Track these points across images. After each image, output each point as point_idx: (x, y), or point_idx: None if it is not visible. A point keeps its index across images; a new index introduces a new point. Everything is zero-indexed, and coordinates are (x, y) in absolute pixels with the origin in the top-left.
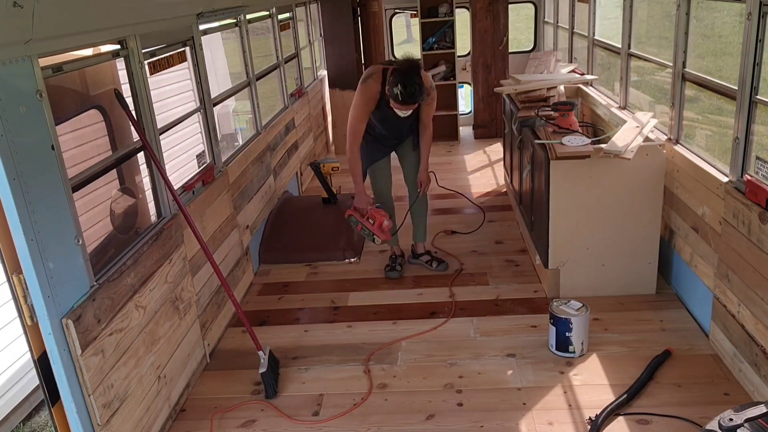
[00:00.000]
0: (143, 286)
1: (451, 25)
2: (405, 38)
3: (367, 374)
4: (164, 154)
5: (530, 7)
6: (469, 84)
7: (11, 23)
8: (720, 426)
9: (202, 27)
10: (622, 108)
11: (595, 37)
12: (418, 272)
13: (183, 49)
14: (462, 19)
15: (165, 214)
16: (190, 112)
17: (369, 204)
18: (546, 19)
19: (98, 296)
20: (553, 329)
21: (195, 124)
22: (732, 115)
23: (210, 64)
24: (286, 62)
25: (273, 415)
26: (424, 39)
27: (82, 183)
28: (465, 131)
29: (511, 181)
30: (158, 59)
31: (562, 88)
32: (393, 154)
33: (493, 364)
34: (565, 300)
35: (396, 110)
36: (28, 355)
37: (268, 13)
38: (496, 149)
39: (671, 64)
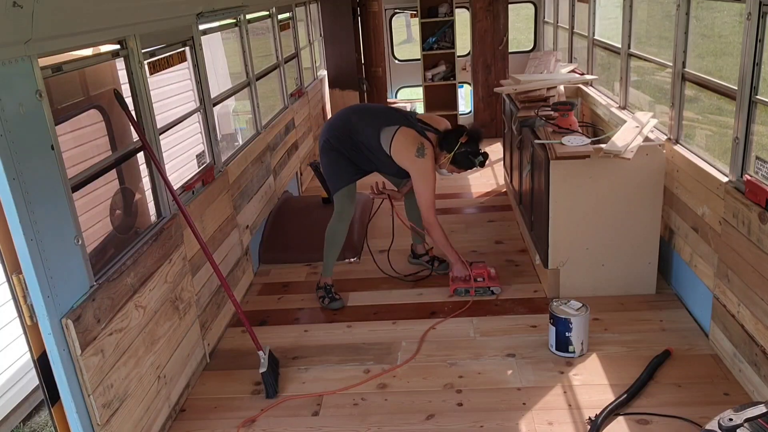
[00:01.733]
0: (143, 286)
1: (451, 25)
2: (405, 38)
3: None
4: (164, 154)
5: (530, 7)
6: (469, 84)
7: (11, 23)
8: (720, 426)
9: (201, 27)
10: (622, 108)
11: (595, 37)
12: (423, 273)
13: (183, 49)
14: (462, 19)
15: (165, 214)
16: (190, 112)
17: (468, 267)
18: (546, 19)
19: (98, 296)
20: (552, 329)
21: (195, 124)
22: (732, 115)
23: (210, 64)
24: (286, 62)
25: (273, 415)
26: (424, 39)
27: (82, 183)
28: None
29: (511, 181)
30: (158, 59)
31: (562, 88)
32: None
33: (493, 364)
34: (565, 300)
35: (443, 171)
36: (28, 355)
37: (268, 13)
38: (496, 149)
39: (671, 64)
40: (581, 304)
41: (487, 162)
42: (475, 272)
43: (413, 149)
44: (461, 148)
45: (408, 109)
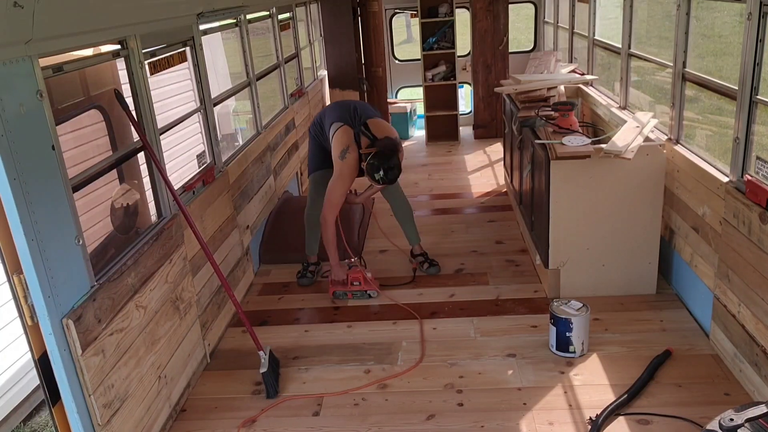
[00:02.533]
0: (144, 286)
1: (451, 25)
2: (405, 38)
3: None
4: (164, 154)
5: (530, 7)
6: (469, 84)
7: (11, 23)
8: (720, 426)
9: (202, 27)
10: (622, 108)
11: (595, 37)
12: (418, 273)
13: (183, 49)
14: (462, 19)
15: (165, 214)
16: (191, 112)
17: (345, 272)
18: (546, 19)
19: (99, 296)
20: (553, 329)
21: (195, 124)
22: (732, 115)
23: (210, 64)
24: (286, 62)
25: (273, 415)
26: (424, 39)
27: (82, 183)
28: (465, 131)
29: (511, 181)
30: (158, 59)
31: (562, 88)
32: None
33: (493, 364)
34: (566, 300)
35: (369, 180)
36: (29, 355)
37: (268, 13)
38: (496, 149)
39: (671, 64)
40: (582, 304)
41: (390, 180)
42: (351, 276)
43: (339, 150)
44: (371, 160)
45: (371, 109)
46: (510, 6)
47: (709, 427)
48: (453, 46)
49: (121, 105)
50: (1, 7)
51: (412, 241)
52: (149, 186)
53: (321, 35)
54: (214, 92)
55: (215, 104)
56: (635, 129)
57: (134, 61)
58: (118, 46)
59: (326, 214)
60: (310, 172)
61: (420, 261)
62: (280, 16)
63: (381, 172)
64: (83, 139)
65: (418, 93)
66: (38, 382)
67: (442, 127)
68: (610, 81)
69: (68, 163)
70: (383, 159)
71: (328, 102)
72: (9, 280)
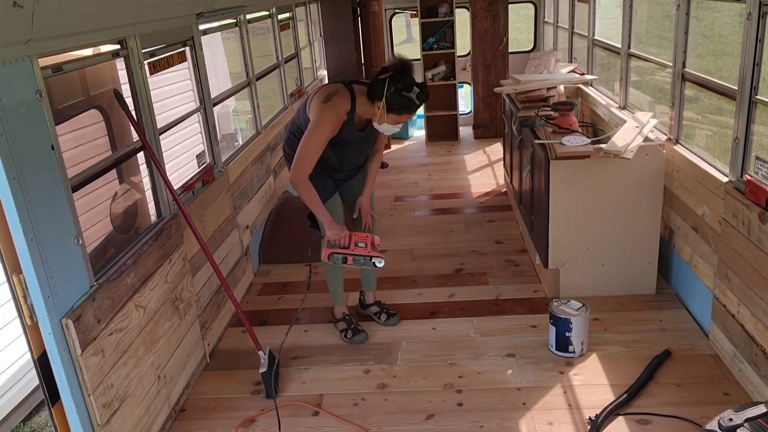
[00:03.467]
0: (143, 286)
1: (451, 25)
2: (405, 38)
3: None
4: (164, 154)
5: (530, 7)
6: (469, 84)
7: (11, 23)
8: (720, 426)
9: (202, 27)
10: (622, 108)
11: (595, 37)
12: (418, 272)
13: (183, 49)
14: (462, 19)
15: (165, 214)
16: (190, 112)
17: (343, 229)
18: (546, 19)
19: (98, 296)
20: (553, 329)
21: (195, 124)
22: (732, 115)
23: (210, 64)
24: (286, 62)
25: (273, 415)
26: (424, 39)
27: (82, 183)
28: (465, 131)
29: (511, 181)
30: (158, 59)
31: (562, 88)
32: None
33: (493, 364)
34: (565, 300)
35: (384, 126)
36: (28, 355)
37: (268, 13)
38: (496, 149)
39: (671, 64)
40: (581, 304)
41: (426, 95)
42: (354, 236)
43: (324, 95)
44: (390, 88)
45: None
46: (510, 6)
47: (708, 427)
48: (453, 46)
49: (121, 105)
50: (1, 7)
51: (367, 284)
52: (149, 186)
53: (321, 35)
54: (214, 92)
55: (215, 104)
56: (635, 129)
57: (134, 61)
58: (118, 46)
59: (297, 173)
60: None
61: (375, 311)
62: (280, 16)
63: (415, 87)
64: (83, 139)
65: None
66: (37, 382)
67: (442, 127)
68: (610, 81)
69: (68, 163)
70: (406, 73)
71: None
72: (8, 280)
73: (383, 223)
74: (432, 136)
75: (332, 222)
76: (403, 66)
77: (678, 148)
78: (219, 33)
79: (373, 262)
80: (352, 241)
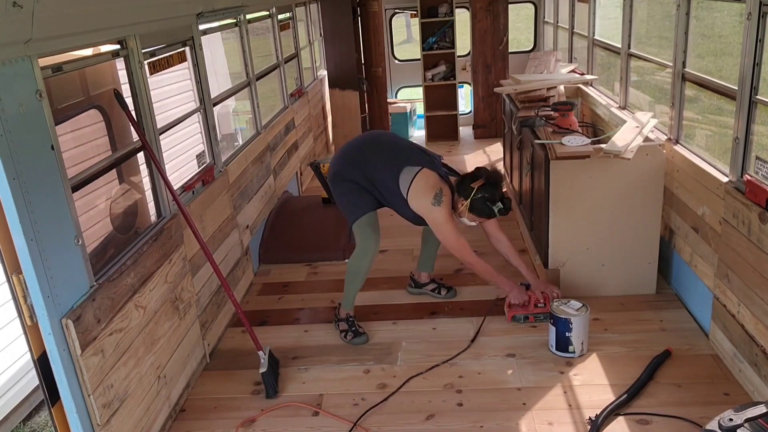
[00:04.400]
0: (143, 286)
1: (451, 25)
2: (405, 38)
3: None
4: (164, 154)
5: (530, 7)
6: (469, 84)
7: (11, 23)
8: (720, 426)
9: (201, 27)
10: (622, 108)
11: (595, 37)
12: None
13: (183, 49)
14: (462, 19)
15: (165, 214)
16: (190, 112)
17: (524, 293)
18: (546, 19)
19: (98, 296)
20: (553, 329)
21: (195, 124)
22: (732, 115)
23: (210, 64)
24: (286, 62)
25: (273, 415)
26: (424, 39)
27: (82, 183)
28: (465, 131)
29: (511, 181)
30: (158, 59)
31: (562, 88)
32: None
33: (493, 364)
34: (565, 300)
35: (462, 219)
36: (28, 355)
37: (268, 13)
38: (496, 149)
39: (671, 64)
40: (581, 304)
41: (507, 209)
42: (532, 296)
43: (430, 196)
44: (477, 194)
45: (428, 151)
46: (510, 6)
47: (708, 427)
48: (453, 46)
49: (121, 105)
50: (1, 7)
51: (427, 266)
52: (149, 186)
53: (321, 35)
54: (214, 92)
55: (215, 104)
56: (635, 129)
57: (134, 61)
58: (118, 46)
59: (464, 259)
60: (355, 218)
61: (432, 289)
62: (280, 16)
63: (500, 203)
64: (83, 139)
65: (418, 93)
66: (37, 382)
67: (442, 127)
68: (610, 81)
69: (68, 163)
70: (495, 188)
71: (328, 102)
72: (8, 280)
73: (383, 223)
74: (432, 135)
75: (513, 286)
76: (496, 180)
77: (678, 148)
78: (219, 33)
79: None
80: (531, 301)
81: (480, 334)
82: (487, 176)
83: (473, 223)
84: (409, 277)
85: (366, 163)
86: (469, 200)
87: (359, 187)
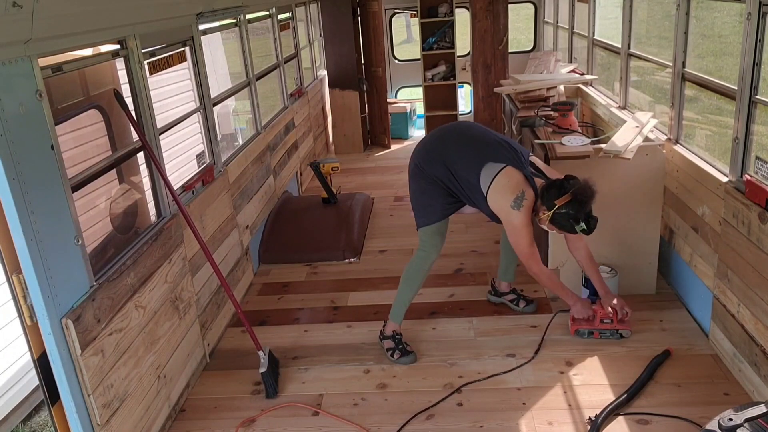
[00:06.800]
0: (143, 286)
1: (451, 25)
2: (405, 38)
3: None
4: (164, 154)
5: (530, 7)
6: (469, 84)
7: (11, 23)
8: (720, 426)
9: (201, 27)
10: (622, 108)
11: (595, 37)
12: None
13: (183, 49)
14: (462, 19)
15: (165, 214)
16: (190, 112)
17: (589, 308)
18: (546, 19)
19: (98, 296)
20: (585, 291)
21: (195, 124)
22: (732, 115)
23: (210, 64)
24: (285, 62)
25: (273, 415)
26: (424, 39)
27: (81, 183)
28: None
29: None
30: (158, 59)
31: (561, 88)
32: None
33: (492, 364)
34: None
35: (543, 226)
36: (28, 355)
37: (268, 13)
38: None
39: (671, 64)
40: (611, 269)
41: (590, 231)
42: (598, 311)
43: (511, 198)
44: (562, 209)
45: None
46: (510, 6)
47: (708, 427)
48: (453, 46)
49: (121, 105)
50: (1, 7)
51: (509, 275)
52: (149, 186)
53: (321, 35)
54: (214, 92)
55: (215, 104)
56: (635, 129)
57: (133, 61)
58: (118, 46)
59: (531, 267)
60: (424, 223)
61: (511, 299)
62: (280, 16)
63: (583, 224)
64: (82, 139)
65: (418, 93)
66: (37, 382)
67: None
68: (610, 81)
69: (67, 163)
70: (582, 206)
71: (328, 102)
72: (8, 280)
73: (383, 223)
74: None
75: (577, 299)
76: (584, 198)
77: (678, 148)
78: (219, 33)
79: (620, 334)
80: (598, 317)
81: (480, 334)
82: (574, 192)
83: (554, 231)
84: (490, 283)
85: (447, 155)
86: (551, 212)
87: (437, 187)
